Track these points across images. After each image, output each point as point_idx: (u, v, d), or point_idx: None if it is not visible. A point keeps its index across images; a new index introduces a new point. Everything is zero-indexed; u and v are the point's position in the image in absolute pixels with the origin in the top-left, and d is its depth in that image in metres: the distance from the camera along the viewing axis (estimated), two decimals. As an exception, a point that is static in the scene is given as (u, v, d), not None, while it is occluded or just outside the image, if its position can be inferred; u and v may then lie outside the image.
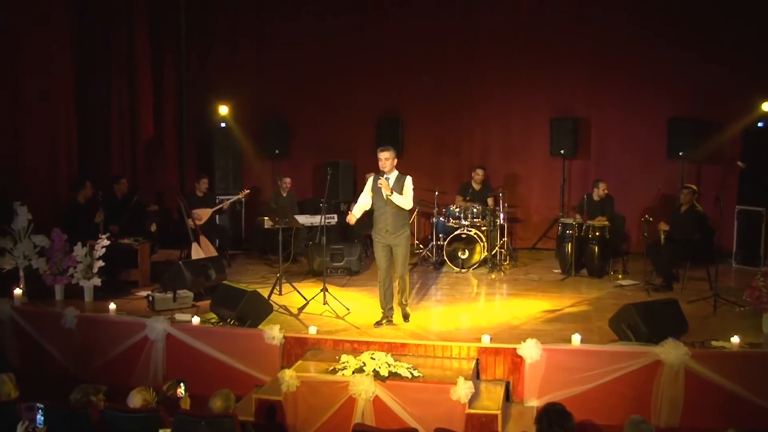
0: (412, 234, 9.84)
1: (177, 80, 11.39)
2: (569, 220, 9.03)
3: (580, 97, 10.65)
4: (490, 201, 9.87)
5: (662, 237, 8.20)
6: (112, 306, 7.01)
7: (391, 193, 6.45)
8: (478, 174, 9.98)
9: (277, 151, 11.27)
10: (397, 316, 6.78)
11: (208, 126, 11.45)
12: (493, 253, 9.41)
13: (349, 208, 10.44)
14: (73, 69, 9.43)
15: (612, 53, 10.39)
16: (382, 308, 6.71)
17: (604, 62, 10.47)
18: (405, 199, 6.53)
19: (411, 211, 6.70)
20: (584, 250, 8.87)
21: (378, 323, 6.64)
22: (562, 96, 10.68)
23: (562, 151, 10.44)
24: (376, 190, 6.60)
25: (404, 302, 6.75)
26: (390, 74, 11.18)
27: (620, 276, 8.79)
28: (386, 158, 6.55)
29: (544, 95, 10.75)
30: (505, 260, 9.63)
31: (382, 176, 6.55)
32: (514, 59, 10.79)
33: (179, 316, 6.85)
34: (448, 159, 11.24)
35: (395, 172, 6.62)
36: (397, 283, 6.75)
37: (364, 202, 6.80)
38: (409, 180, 6.59)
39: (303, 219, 9.33)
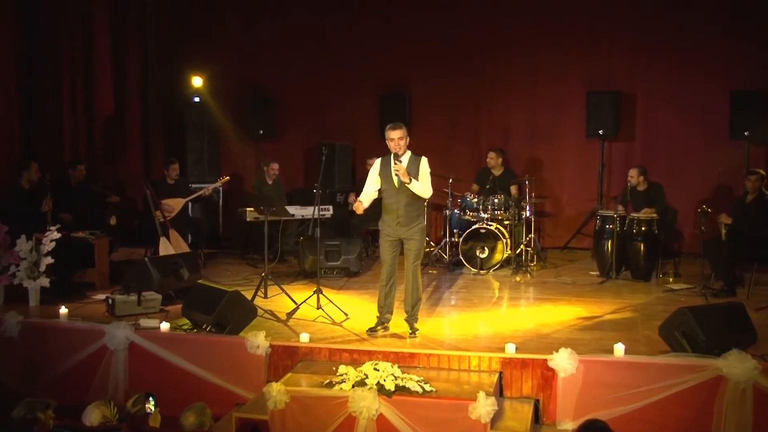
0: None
1: (141, 45, 11.40)
2: (609, 213, 9.00)
3: (623, 67, 10.64)
4: (513, 190, 9.85)
5: (723, 232, 8.17)
6: (64, 310, 6.98)
7: (410, 180, 6.39)
8: (492, 158, 9.94)
9: (261, 132, 11.28)
10: (401, 325, 6.72)
11: (178, 101, 11.44)
12: (517, 251, 9.40)
13: (346, 199, 10.51)
14: (16, 28, 9.34)
15: (661, 13, 10.35)
16: (379, 311, 6.68)
17: (651, 23, 10.44)
18: (424, 186, 6.47)
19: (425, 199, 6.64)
20: (627, 248, 8.83)
21: (372, 330, 6.62)
22: (601, 65, 10.67)
23: (600, 132, 10.42)
24: (385, 176, 6.53)
25: (413, 317, 6.63)
26: (395, 42, 11.20)
27: (671, 279, 8.75)
28: (399, 137, 6.44)
29: (579, 65, 10.76)
30: (531, 260, 9.62)
31: (397, 159, 6.46)
32: (541, 22, 10.80)
33: (144, 322, 6.82)
34: (463, 141, 11.26)
35: (408, 153, 6.55)
36: (404, 285, 6.65)
37: (371, 191, 6.70)
38: (425, 162, 6.52)
39: (293, 210, 9.29)
